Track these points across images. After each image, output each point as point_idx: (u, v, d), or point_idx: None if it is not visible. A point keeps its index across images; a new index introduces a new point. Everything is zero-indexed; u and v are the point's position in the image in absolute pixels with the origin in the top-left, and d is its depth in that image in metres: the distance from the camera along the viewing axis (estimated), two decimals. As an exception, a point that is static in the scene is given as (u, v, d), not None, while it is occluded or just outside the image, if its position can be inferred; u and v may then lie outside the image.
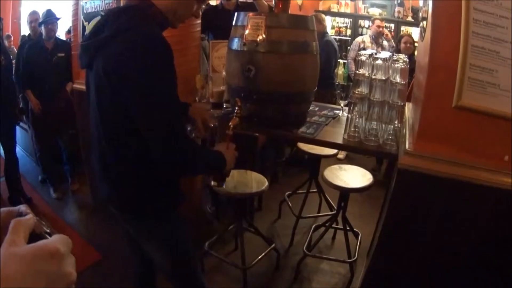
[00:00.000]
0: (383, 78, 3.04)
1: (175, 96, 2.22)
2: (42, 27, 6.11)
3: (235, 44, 3.18)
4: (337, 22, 11.45)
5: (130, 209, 2.60)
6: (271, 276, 4.65)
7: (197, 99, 4.04)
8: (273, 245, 4.71)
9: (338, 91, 5.15)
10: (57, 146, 6.69)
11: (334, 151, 4.86)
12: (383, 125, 3.03)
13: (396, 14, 10.89)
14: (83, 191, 6.51)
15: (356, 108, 3.08)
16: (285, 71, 3.06)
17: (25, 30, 8.89)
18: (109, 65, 2.12)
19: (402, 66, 3.03)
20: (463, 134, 2.44)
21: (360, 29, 11.14)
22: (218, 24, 4.96)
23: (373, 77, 3.07)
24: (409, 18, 10.76)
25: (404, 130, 3.02)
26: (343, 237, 4.55)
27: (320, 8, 11.21)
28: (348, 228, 4.58)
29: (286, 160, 7.48)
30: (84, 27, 4.92)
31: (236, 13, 3.28)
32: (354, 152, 4.09)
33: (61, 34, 9.96)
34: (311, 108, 3.65)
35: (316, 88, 3.37)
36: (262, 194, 4.70)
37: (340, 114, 3.83)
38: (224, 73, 3.71)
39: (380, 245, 3.00)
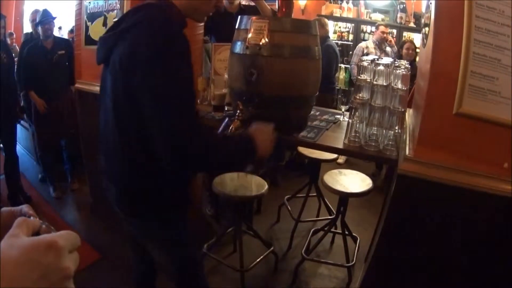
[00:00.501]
0: (385, 84, 3.04)
1: (191, 90, 2.18)
2: (39, 28, 6.14)
3: (238, 47, 3.18)
4: (340, 27, 11.43)
5: (139, 213, 2.56)
6: (269, 279, 4.66)
7: (198, 101, 4.04)
8: (271, 248, 4.70)
9: (339, 96, 5.15)
10: (58, 145, 6.71)
11: (334, 155, 4.87)
12: (384, 131, 3.03)
13: (398, 20, 10.88)
14: (83, 191, 6.52)
15: (357, 113, 3.09)
16: (287, 75, 3.05)
17: (28, 28, 8.90)
18: (124, 56, 2.09)
19: (404, 72, 3.04)
20: (463, 141, 2.45)
21: (362, 34, 11.13)
22: (220, 27, 4.98)
23: (375, 82, 3.08)
24: (411, 24, 10.75)
25: (404, 136, 3.02)
26: (342, 242, 4.55)
27: (323, 13, 11.20)
28: (347, 232, 4.57)
29: (286, 163, 7.48)
30: (87, 27, 4.94)
31: (239, 16, 3.28)
32: (354, 157, 4.09)
33: (64, 33, 10.02)
34: (312, 112, 3.66)
35: (318, 93, 3.37)
36: (261, 197, 4.70)
37: (341, 119, 3.83)
38: (226, 76, 3.71)
39: (378, 250, 3.00)
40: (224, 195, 4.12)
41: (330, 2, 11.52)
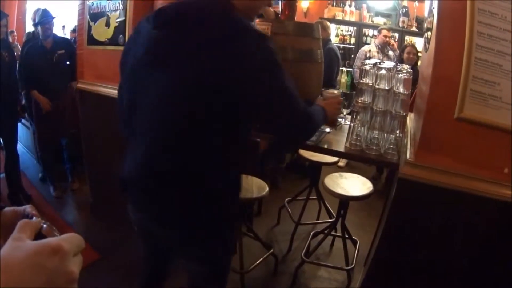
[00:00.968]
0: (387, 88, 3.05)
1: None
2: (39, 27, 6.14)
3: (241, 50, 3.15)
4: (342, 30, 11.42)
5: (190, 227, 2.36)
6: (269, 281, 4.66)
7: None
8: (271, 250, 4.71)
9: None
10: (58, 144, 6.70)
11: (335, 158, 4.86)
12: (385, 135, 3.03)
13: (400, 24, 10.87)
14: (83, 190, 6.52)
15: (358, 117, 3.09)
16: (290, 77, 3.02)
17: (30, 27, 8.91)
18: (229, 66, 2.00)
19: (406, 77, 3.05)
20: (464, 145, 2.46)
21: (364, 38, 11.13)
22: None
23: (377, 86, 3.08)
24: (414, 28, 10.74)
25: (405, 140, 3.03)
26: (342, 245, 4.55)
27: (325, 16, 11.18)
28: (346, 235, 4.58)
29: (286, 166, 7.48)
30: (90, 27, 4.94)
31: None
32: (355, 160, 4.09)
33: (67, 32, 10.02)
34: (313, 115, 3.66)
35: (319, 96, 3.37)
36: (262, 199, 4.70)
37: (343, 122, 3.82)
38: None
39: (378, 253, 3.01)
40: None
41: (333, 5, 11.52)
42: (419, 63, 6.91)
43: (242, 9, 2.16)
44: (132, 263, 3.68)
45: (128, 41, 2.37)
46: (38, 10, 6.37)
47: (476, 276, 2.63)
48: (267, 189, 4.28)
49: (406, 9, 10.89)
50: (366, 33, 11.15)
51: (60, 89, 6.28)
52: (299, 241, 5.39)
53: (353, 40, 11.29)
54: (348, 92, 7.29)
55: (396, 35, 10.58)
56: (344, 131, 3.50)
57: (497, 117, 2.35)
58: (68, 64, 6.26)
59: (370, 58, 7.77)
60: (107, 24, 4.71)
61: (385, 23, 10.62)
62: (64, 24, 10.98)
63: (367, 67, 3.20)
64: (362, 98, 3.12)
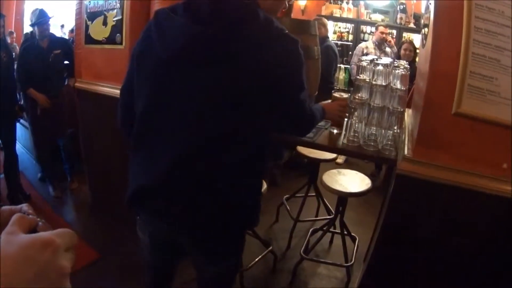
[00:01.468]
0: (384, 84, 3.04)
1: None
2: (35, 28, 6.13)
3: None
4: (339, 27, 11.41)
5: (216, 232, 2.31)
6: (268, 279, 4.65)
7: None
8: (270, 248, 4.70)
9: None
10: (55, 144, 6.69)
11: (333, 155, 4.85)
12: (383, 131, 3.04)
13: (398, 21, 10.87)
14: (82, 190, 6.52)
15: (356, 113, 3.09)
16: (287, 75, 3.02)
17: (28, 28, 8.93)
18: (269, 69, 2.00)
19: (403, 72, 3.04)
20: (462, 141, 2.46)
21: (362, 35, 11.13)
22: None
23: (374, 82, 3.08)
24: (411, 25, 10.73)
25: (403, 136, 3.03)
26: (341, 241, 4.55)
27: (323, 13, 11.16)
28: (345, 232, 4.57)
29: (285, 163, 7.47)
30: (87, 26, 4.94)
31: None
32: (353, 156, 4.07)
33: (66, 32, 10.02)
34: (311, 112, 3.65)
35: (317, 93, 3.37)
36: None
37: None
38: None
39: (377, 249, 3.01)
40: None
41: (330, 3, 11.50)
42: (417, 59, 6.90)
43: (265, 9, 2.15)
44: (132, 262, 3.68)
45: (149, 31, 2.14)
46: (35, 10, 6.36)
47: (475, 271, 2.63)
48: (265, 186, 4.27)
49: (404, 6, 10.89)
50: (364, 30, 11.15)
51: (56, 89, 6.29)
52: (298, 238, 5.39)
53: (351, 37, 11.29)
54: (346, 89, 7.27)
55: (394, 32, 10.58)
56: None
57: (495, 112, 2.35)
58: (65, 63, 6.25)
59: (367, 54, 7.76)
60: (104, 23, 4.71)
61: (382, 20, 10.60)
62: (63, 24, 10.98)
63: (364, 63, 3.19)
64: (359, 94, 3.11)
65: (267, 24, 2.03)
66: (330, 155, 4.80)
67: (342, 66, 10.44)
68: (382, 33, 8.32)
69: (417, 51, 7.08)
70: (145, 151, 2.26)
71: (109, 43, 4.65)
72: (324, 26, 7.84)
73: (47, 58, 6.08)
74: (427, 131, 2.54)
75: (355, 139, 3.12)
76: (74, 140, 6.33)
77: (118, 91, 2.40)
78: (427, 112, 2.52)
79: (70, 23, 9.84)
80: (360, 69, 3.22)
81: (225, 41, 1.96)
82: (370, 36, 9.90)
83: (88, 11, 4.91)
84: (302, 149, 4.88)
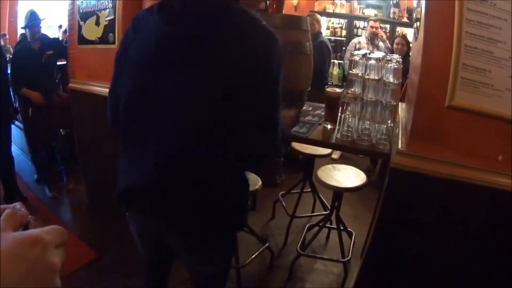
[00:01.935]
0: (376, 78, 3.04)
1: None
2: (27, 30, 6.13)
3: (230, 44, 3.15)
4: (333, 23, 11.39)
5: (202, 228, 2.31)
6: (265, 276, 4.66)
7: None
8: (266, 245, 4.71)
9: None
10: (50, 146, 6.70)
11: (328, 150, 4.85)
12: (376, 125, 3.04)
13: (391, 15, 10.87)
14: (79, 190, 6.49)
15: (349, 107, 3.09)
16: (279, 70, 3.02)
17: (22, 30, 8.95)
18: (238, 57, 1.97)
19: (395, 66, 3.04)
20: (456, 134, 2.46)
21: (355, 30, 11.12)
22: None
23: (366, 77, 3.08)
24: (405, 19, 10.74)
25: (397, 130, 3.03)
26: (337, 237, 4.56)
27: (316, 9, 11.15)
28: (342, 227, 4.58)
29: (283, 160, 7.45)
30: (80, 27, 4.94)
31: None
32: (347, 151, 4.08)
33: (57, 33, 10.02)
34: (304, 108, 3.66)
35: (310, 88, 3.37)
36: (255, 193, 4.69)
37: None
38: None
39: (373, 244, 3.01)
40: None
41: (323, -2, 11.52)
42: (410, 53, 6.92)
43: (245, 3, 2.14)
44: (129, 261, 3.68)
45: (127, 34, 2.21)
46: (27, 13, 6.36)
47: (473, 265, 2.63)
48: (260, 183, 4.28)
49: (397, 1, 10.89)
50: (357, 25, 11.14)
51: (51, 89, 6.27)
52: (294, 235, 5.39)
53: (344, 33, 11.28)
54: (340, 84, 7.26)
55: (388, 26, 10.59)
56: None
57: (489, 104, 2.35)
58: (58, 64, 6.26)
59: (360, 49, 7.77)
60: (97, 23, 4.72)
61: (375, 15, 10.60)
62: (61, 24, 10.99)
63: (357, 58, 3.19)
64: (352, 89, 3.11)
65: (243, 18, 2.03)
66: (325, 151, 4.81)
67: (336, 61, 10.44)
68: (372, 27, 8.37)
69: (410, 45, 7.10)
70: (131, 150, 2.29)
71: (102, 42, 4.67)
72: (318, 22, 7.85)
73: (39, 60, 6.08)
74: (421, 124, 2.53)
75: (349, 134, 3.12)
76: (69, 141, 6.33)
77: (110, 91, 2.40)
78: (420, 105, 2.51)
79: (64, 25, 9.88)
80: (353, 63, 3.21)
81: (197, 38, 1.98)
82: (364, 31, 9.90)
83: (81, 11, 4.92)
84: (296, 145, 4.89)
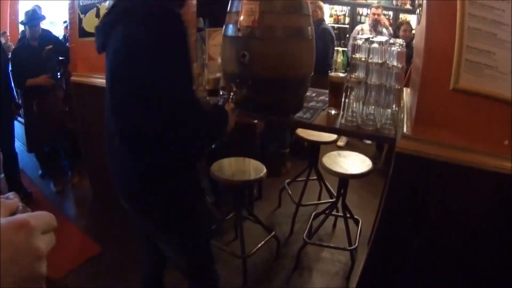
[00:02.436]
0: (380, 61, 3.00)
1: (188, 69, 2.24)
2: (26, 27, 6.15)
3: (230, 30, 3.17)
4: (335, 10, 11.40)
5: (147, 204, 2.55)
6: (271, 265, 4.65)
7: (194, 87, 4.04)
8: (273, 233, 4.70)
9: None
10: (52, 141, 6.71)
11: (333, 137, 4.84)
12: (381, 110, 3.00)
13: (394, 2, 10.84)
14: (83, 185, 6.53)
15: (353, 92, 3.05)
16: (280, 56, 3.04)
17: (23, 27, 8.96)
18: (125, 34, 2.17)
19: (399, 50, 3.00)
20: (462, 117, 2.42)
21: (358, 17, 11.11)
22: (215, 11, 4.94)
23: (370, 61, 3.04)
24: (408, 6, 10.71)
25: (402, 115, 2.99)
26: (344, 225, 4.54)
27: (319, -4, 11.15)
28: (348, 215, 4.57)
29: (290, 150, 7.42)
30: (80, 20, 4.94)
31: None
32: (352, 136, 4.08)
33: (61, 30, 10.04)
34: (308, 93, 3.63)
35: (314, 75, 3.34)
36: (261, 181, 4.68)
37: (338, 99, 3.80)
38: (219, 60, 3.68)
39: (379, 231, 2.99)
40: (222, 180, 4.12)
41: (326, -15, 11.46)
42: (414, 38, 6.89)
43: None
44: (133, 255, 3.67)
45: None
46: (28, 11, 6.35)
47: (477, 250, 2.60)
48: (264, 170, 4.27)
49: (400, -13, 10.86)
50: (360, 13, 11.12)
51: (52, 85, 6.28)
52: (301, 223, 5.38)
53: (347, 20, 11.25)
54: (344, 71, 7.24)
55: (391, 13, 10.56)
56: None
57: (494, 87, 2.31)
58: (60, 59, 6.26)
59: (363, 36, 7.74)
60: (97, 15, 4.76)
61: (378, 2, 10.55)
62: (66, 20, 11.00)
63: (360, 42, 3.15)
64: (355, 74, 3.08)
65: (154, 6, 2.14)
66: (330, 137, 4.80)
67: (340, 49, 10.42)
68: (374, 14, 8.41)
69: (413, 31, 7.07)
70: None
71: (102, 34, 4.67)
72: (320, 8, 7.83)
73: (39, 56, 6.11)
74: (426, 108, 2.50)
75: (353, 119, 3.08)
76: (73, 136, 6.32)
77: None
78: (425, 89, 2.48)
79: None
80: (356, 48, 3.18)
81: (106, 32, 2.28)
82: (367, 19, 9.86)
83: (81, 4, 4.97)
84: (301, 132, 4.89)
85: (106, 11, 2.42)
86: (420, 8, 3.05)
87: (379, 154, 7.79)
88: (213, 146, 2.89)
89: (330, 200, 5.13)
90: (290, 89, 3.22)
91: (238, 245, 4.40)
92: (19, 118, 7.19)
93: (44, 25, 6.36)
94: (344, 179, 4.32)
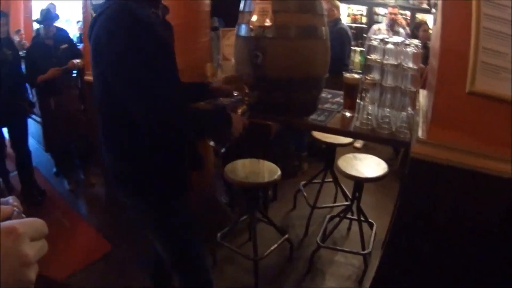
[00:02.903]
0: (395, 63, 2.95)
1: (152, 64, 2.24)
2: (41, 26, 6.16)
3: (243, 30, 3.15)
4: (353, 10, 11.38)
5: (129, 192, 2.69)
6: (284, 267, 4.63)
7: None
8: (286, 236, 4.67)
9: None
10: (68, 141, 6.70)
11: (349, 139, 4.81)
12: (396, 112, 2.95)
13: (411, 1, 10.78)
14: (97, 183, 6.61)
15: (368, 94, 3.01)
16: (293, 56, 3.01)
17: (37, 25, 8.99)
18: (95, 40, 2.29)
19: (414, 51, 2.95)
20: (478, 121, 2.36)
21: (376, 17, 11.06)
22: (230, 10, 4.91)
23: (385, 62, 2.99)
24: (424, 5, 10.65)
25: (417, 118, 2.94)
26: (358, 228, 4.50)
27: (336, -5, 11.12)
28: (363, 219, 4.55)
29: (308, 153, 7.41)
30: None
31: None
32: (366, 140, 4.06)
33: (75, 28, 10.10)
34: (323, 95, 3.59)
35: (330, 76, 3.31)
36: (274, 184, 4.64)
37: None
38: (233, 60, 3.65)
39: (393, 237, 2.94)
40: (235, 182, 4.11)
41: (343, -16, 11.43)
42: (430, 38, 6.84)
43: None
44: (144, 254, 3.68)
45: None
46: (43, 9, 6.37)
47: (492, 258, 2.54)
48: (279, 173, 4.24)
49: (417, -14, 10.80)
50: (378, 12, 11.07)
51: (68, 83, 6.31)
52: (315, 225, 5.36)
53: (364, 20, 11.23)
54: (361, 71, 7.16)
55: (408, 13, 10.51)
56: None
57: (510, 90, 2.25)
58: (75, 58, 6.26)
59: (379, 36, 7.71)
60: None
61: (395, 1, 10.51)
62: (80, 20, 11.08)
63: (375, 42, 3.11)
64: (370, 75, 3.03)
65: (118, 8, 2.25)
66: (346, 139, 4.79)
67: (358, 49, 10.39)
68: (390, 13, 8.41)
69: (430, 31, 7.02)
70: None
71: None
72: (337, 8, 7.79)
73: (55, 55, 6.10)
74: (441, 111, 2.44)
75: (368, 122, 3.03)
76: (86, 135, 6.34)
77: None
78: (441, 91, 2.43)
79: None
80: (371, 48, 3.13)
81: (90, 30, 2.40)
82: (384, 18, 9.82)
83: (93, 3, 5.00)
84: (317, 134, 4.88)
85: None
86: (435, 8, 2.99)
87: (396, 154, 7.74)
88: (223, 150, 2.82)
89: (345, 203, 5.12)
90: (304, 90, 3.18)
91: (250, 247, 4.38)
92: (34, 117, 7.23)
93: (60, 23, 6.37)
94: (359, 183, 4.29)
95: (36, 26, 7.27)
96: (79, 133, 6.50)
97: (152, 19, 2.31)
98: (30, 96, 6.52)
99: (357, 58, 10.20)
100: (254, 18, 2.98)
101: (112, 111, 2.46)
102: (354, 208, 4.58)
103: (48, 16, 6.07)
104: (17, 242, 0.77)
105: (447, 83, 2.38)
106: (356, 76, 3.24)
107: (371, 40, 3.21)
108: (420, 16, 10.39)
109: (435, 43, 2.90)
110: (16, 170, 6.26)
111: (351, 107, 3.24)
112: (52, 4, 7.24)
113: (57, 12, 6.77)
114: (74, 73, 6.47)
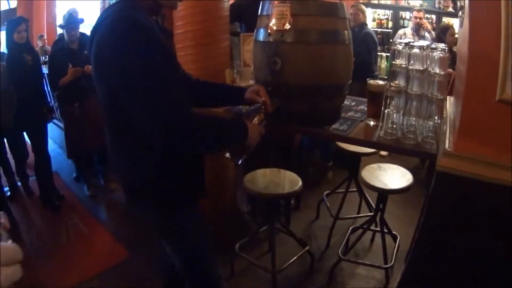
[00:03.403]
0: (421, 68, 2.81)
1: (160, 74, 2.18)
2: (64, 31, 6.17)
3: (261, 35, 3.05)
4: (378, 14, 11.29)
5: (138, 200, 2.66)
6: (303, 280, 4.55)
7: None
8: (306, 248, 4.58)
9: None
10: (90, 148, 6.67)
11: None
12: (422, 121, 2.82)
13: (437, 5, 10.68)
14: (116, 189, 6.67)
15: (392, 102, 2.88)
16: (314, 62, 2.88)
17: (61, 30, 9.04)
18: (95, 51, 2.26)
19: (441, 55, 2.81)
20: (509, 131, 2.21)
21: (401, 21, 10.97)
22: (250, 15, 4.81)
23: (410, 67, 2.85)
24: (450, 9, 10.54)
25: (445, 127, 2.80)
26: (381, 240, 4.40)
27: (361, 0, 11.02)
28: (386, 231, 4.45)
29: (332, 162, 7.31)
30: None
31: (261, 2, 3.12)
32: (390, 151, 3.94)
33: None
34: (347, 103, 3.49)
35: (356, 82, 3.19)
36: (294, 195, 4.53)
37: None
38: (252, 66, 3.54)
39: (416, 251, 2.83)
40: (254, 192, 4.02)
41: (368, -11, 11.34)
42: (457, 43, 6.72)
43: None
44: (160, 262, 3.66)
45: None
46: (65, 14, 6.36)
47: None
48: (300, 183, 4.14)
49: (442, -10, 10.70)
50: (403, 16, 10.98)
51: (91, 90, 6.18)
52: (338, 236, 5.26)
53: (390, 24, 11.13)
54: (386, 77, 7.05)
55: (433, 16, 10.41)
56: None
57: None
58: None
59: (405, 41, 7.63)
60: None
61: (421, 5, 10.43)
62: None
63: (399, 47, 2.98)
64: (395, 82, 2.90)
65: (118, 16, 2.21)
66: (370, 149, 4.63)
67: (384, 54, 10.29)
68: (416, 17, 8.38)
69: (456, 35, 6.92)
70: None
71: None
72: (362, 12, 7.74)
73: (79, 60, 6.10)
74: (470, 121, 2.31)
75: (393, 131, 2.91)
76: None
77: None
78: (469, 100, 2.30)
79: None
80: (395, 53, 3.00)
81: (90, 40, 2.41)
82: (410, 22, 9.73)
83: None
84: (341, 143, 4.75)
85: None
86: (462, 10, 2.86)
87: (422, 164, 7.58)
88: (239, 162, 2.71)
89: (368, 214, 5.02)
90: (325, 98, 3.06)
91: (268, 259, 4.32)
92: (56, 122, 7.26)
93: (84, 27, 6.34)
94: (383, 194, 4.18)
95: (60, 31, 7.29)
96: (103, 139, 6.46)
97: (155, 27, 2.25)
98: (51, 102, 6.54)
99: (383, 64, 10.11)
100: (273, 22, 2.88)
101: (120, 124, 2.42)
102: (377, 219, 4.47)
103: (71, 21, 6.10)
104: None
105: (476, 90, 2.26)
106: (380, 82, 3.12)
107: (396, 44, 3.07)
108: (446, 20, 10.28)
109: (461, 47, 2.78)
110: (35, 174, 6.30)
111: (375, 115, 3.12)
112: (74, 9, 7.22)
113: (81, 17, 6.75)
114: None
